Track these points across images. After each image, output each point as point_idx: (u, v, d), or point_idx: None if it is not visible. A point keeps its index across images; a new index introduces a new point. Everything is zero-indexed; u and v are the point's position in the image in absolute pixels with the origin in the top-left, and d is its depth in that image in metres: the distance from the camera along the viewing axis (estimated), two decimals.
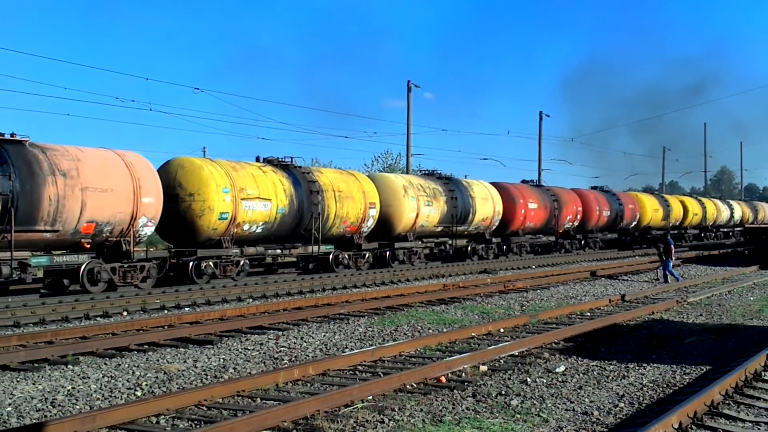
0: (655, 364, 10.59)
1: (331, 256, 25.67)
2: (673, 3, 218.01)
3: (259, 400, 8.44)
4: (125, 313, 15.84)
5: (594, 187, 47.16)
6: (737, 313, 16.16)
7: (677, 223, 54.76)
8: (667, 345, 12.05)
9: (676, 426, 7.00)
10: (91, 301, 16.85)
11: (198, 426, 7.30)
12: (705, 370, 10.25)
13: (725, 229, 65.55)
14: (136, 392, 8.96)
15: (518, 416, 7.78)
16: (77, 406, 8.24)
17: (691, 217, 56.44)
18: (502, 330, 13.44)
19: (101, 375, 9.83)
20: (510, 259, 33.82)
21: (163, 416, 7.65)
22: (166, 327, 13.75)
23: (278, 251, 24.09)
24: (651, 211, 50.03)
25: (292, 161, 25.07)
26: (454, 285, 21.19)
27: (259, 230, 22.70)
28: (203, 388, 8.54)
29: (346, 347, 11.92)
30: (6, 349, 11.34)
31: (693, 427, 7.23)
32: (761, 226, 44.57)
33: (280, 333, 13.26)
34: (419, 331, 13.57)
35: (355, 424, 7.39)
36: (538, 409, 8.06)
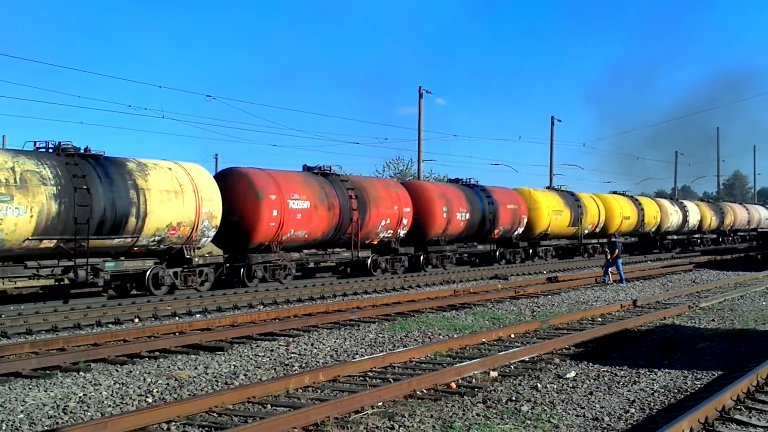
0: (667, 370, 10.55)
1: None
2: (700, 13, 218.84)
3: (269, 406, 8.46)
4: (137, 320, 15.90)
5: (455, 180, 34.31)
6: (750, 318, 16.07)
7: (596, 230, 41.28)
8: (679, 350, 12.00)
9: (687, 431, 6.97)
10: (103, 308, 16.93)
11: None
12: (717, 375, 10.20)
13: (675, 237, 52.36)
14: (148, 399, 9.00)
15: (528, 422, 7.77)
16: (89, 413, 8.28)
17: (619, 222, 43.07)
18: (512, 336, 13.41)
19: (113, 382, 9.87)
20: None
21: (174, 423, 7.68)
22: (177, 334, 13.79)
23: None
24: (549, 213, 36.33)
25: None
26: (465, 291, 21.17)
27: None
28: (214, 394, 8.56)
29: (357, 353, 11.93)
30: (18, 357, 11.41)
31: None
32: None
33: (291, 339, 13.28)
34: (430, 337, 13.56)
35: (365, 430, 7.40)
36: (548, 415, 8.05)
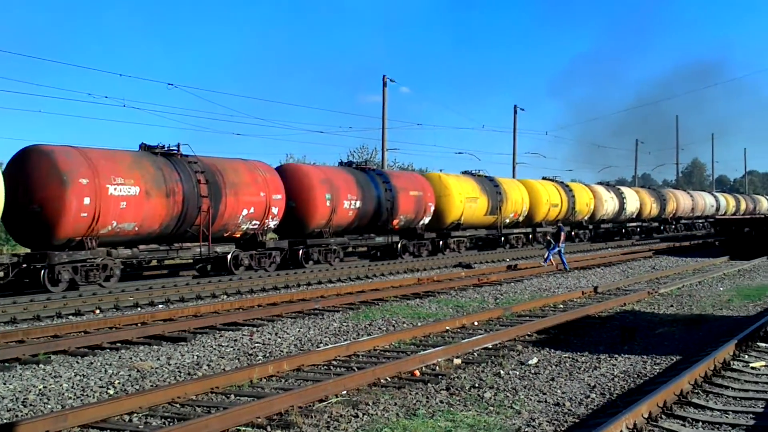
0: (627, 355, 10.72)
1: None
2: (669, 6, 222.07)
3: (233, 396, 8.43)
4: (98, 311, 15.72)
5: (347, 164, 30.65)
6: (707, 304, 16.39)
7: (518, 219, 37.78)
8: (639, 336, 12.19)
9: (646, 415, 7.09)
10: (63, 300, 16.70)
11: (171, 423, 7.28)
12: (675, 360, 10.39)
13: (611, 225, 48.93)
14: (109, 390, 8.91)
15: (491, 408, 7.84)
16: (49, 406, 8.18)
17: (546, 210, 39.58)
18: (476, 323, 13.52)
19: (73, 374, 9.76)
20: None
21: (135, 414, 7.62)
22: (139, 324, 13.67)
23: None
24: (462, 200, 32.66)
25: None
26: (429, 279, 21.27)
27: None
28: (176, 385, 8.50)
29: (321, 342, 11.93)
30: None
31: (662, 416, 7.34)
32: (731, 217, 45.24)
33: (255, 329, 13.23)
34: (394, 326, 13.61)
35: (329, 419, 7.41)
36: (511, 401, 8.13)
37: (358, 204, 27.32)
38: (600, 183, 50.05)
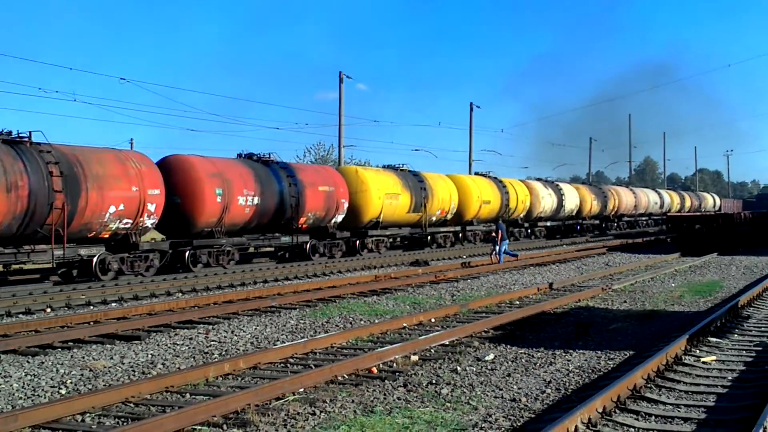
0: (581, 351, 10.85)
1: None
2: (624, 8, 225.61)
3: (188, 395, 8.33)
4: (49, 310, 15.43)
5: (246, 156, 26.54)
6: (659, 300, 16.68)
7: (446, 217, 35.39)
8: (593, 331, 12.36)
9: (601, 410, 7.19)
10: (13, 298, 16.35)
11: (125, 423, 7.16)
12: (628, 355, 10.55)
13: (549, 223, 46.74)
14: (61, 390, 8.74)
15: (448, 404, 7.87)
16: None
17: (477, 207, 37.16)
18: (433, 320, 13.57)
19: (23, 374, 9.55)
20: None
21: (88, 414, 7.49)
22: (91, 323, 13.44)
23: None
24: (381, 197, 30.15)
25: None
26: (386, 276, 21.28)
27: None
28: (130, 384, 8.38)
29: (278, 340, 11.86)
30: None
31: (616, 410, 7.44)
32: (683, 215, 46.16)
33: (210, 327, 13.10)
34: (351, 323, 13.59)
35: (286, 417, 7.37)
36: (467, 397, 8.17)
37: (256, 200, 24.61)
38: (539, 179, 48.63)
